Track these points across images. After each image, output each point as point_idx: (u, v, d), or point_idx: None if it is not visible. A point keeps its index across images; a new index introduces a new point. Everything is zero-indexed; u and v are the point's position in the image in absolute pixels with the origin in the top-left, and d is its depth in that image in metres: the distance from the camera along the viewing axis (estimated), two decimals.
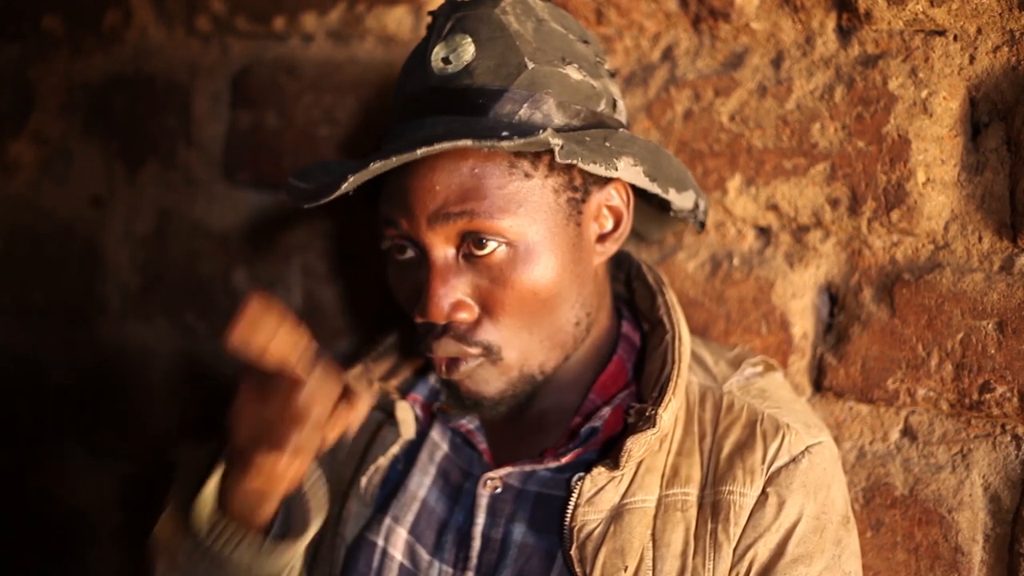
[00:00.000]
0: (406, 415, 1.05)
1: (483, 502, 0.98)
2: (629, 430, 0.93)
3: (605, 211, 0.98)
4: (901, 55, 1.07)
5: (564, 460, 0.96)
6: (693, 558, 0.90)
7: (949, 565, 1.02)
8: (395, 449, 1.05)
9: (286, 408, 0.83)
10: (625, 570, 0.89)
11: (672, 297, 1.03)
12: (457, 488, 1.01)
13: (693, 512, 0.92)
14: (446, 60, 0.91)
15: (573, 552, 0.91)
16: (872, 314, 1.08)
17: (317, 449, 0.86)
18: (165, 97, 1.56)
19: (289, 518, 0.92)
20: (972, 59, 1.04)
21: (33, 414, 1.72)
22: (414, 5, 1.34)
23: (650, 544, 0.91)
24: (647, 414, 0.92)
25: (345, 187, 0.87)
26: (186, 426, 1.52)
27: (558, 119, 0.91)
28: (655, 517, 0.92)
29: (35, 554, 1.72)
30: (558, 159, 0.85)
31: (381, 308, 1.31)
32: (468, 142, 0.83)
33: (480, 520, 0.97)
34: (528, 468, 0.97)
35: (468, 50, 0.91)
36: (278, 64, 1.46)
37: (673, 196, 0.98)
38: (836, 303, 1.12)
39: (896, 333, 1.06)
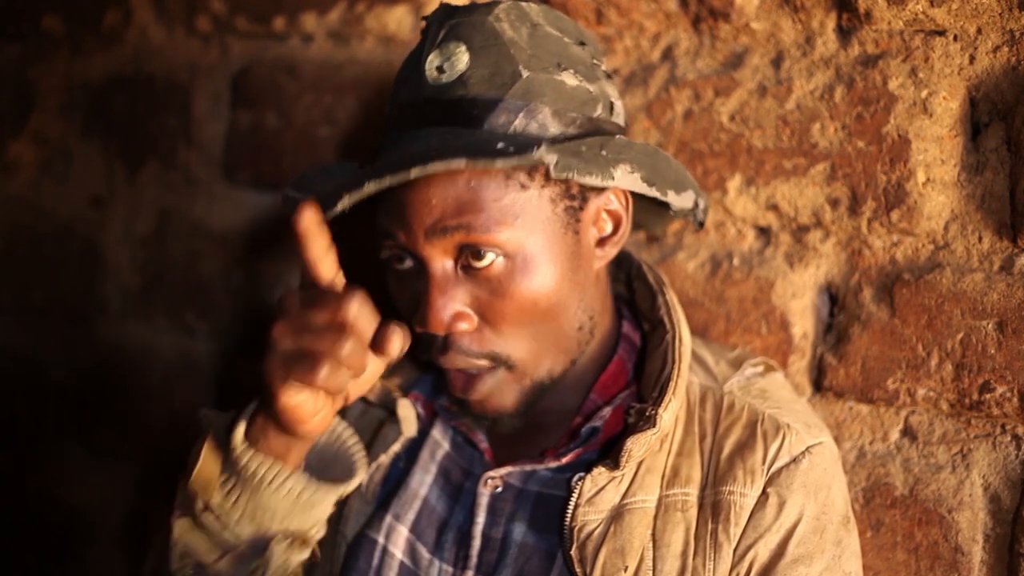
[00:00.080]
0: (407, 413, 1.05)
1: (484, 501, 0.98)
2: (629, 430, 0.93)
3: (604, 215, 0.98)
4: (901, 55, 1.07)
5: (565, 460, 0.96)
6: (693, 558, 0.90)
7: (949, 565, 1.02)
8: (396, 447, 1.05)
9: (333, 317, 0.80)
10: (625, 570, 0.89)
11: (673, 297, 1.03)
12: (458, 487, 1.01)
13: (693, 512, 0.92)
14: (440, 69, 0.91)
15: (573, 552, 0.91)
16: (872, 314, 1.08)
17: (345, 397, 0.85)
18: (165, 97, 1.56)
19: (327, 470, 0.93)
20: (972, 59, 1.04)
21: (33, 414, 1.72)
22: (414, 5, 1.34)
23: (650, 544, 0.91)
24: (647, 414, 0.92)
25: (340, 207, 0.86)
26: (185, 430, 1.52)
27: (554, 128, 0.91)
28: (655, 517, 0.92)
29: (35, 554, 1.72)
30: (553, 175, 0.85)
31: (381, 308, 1.31)
32: (461, 163, 0.82)
33: (480, 519, 0.97)
34: (529, 468, 0.98)
35: (462, 59, 0.90)
36: (278, 64, 1.46)
37: (672, 198, 0.98)
38: (836, 303, 1.12)
39: (896, 333, 1.07)
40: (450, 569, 0.97)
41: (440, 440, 1.05)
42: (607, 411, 0.97)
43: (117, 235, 1.62)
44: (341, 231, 0.92)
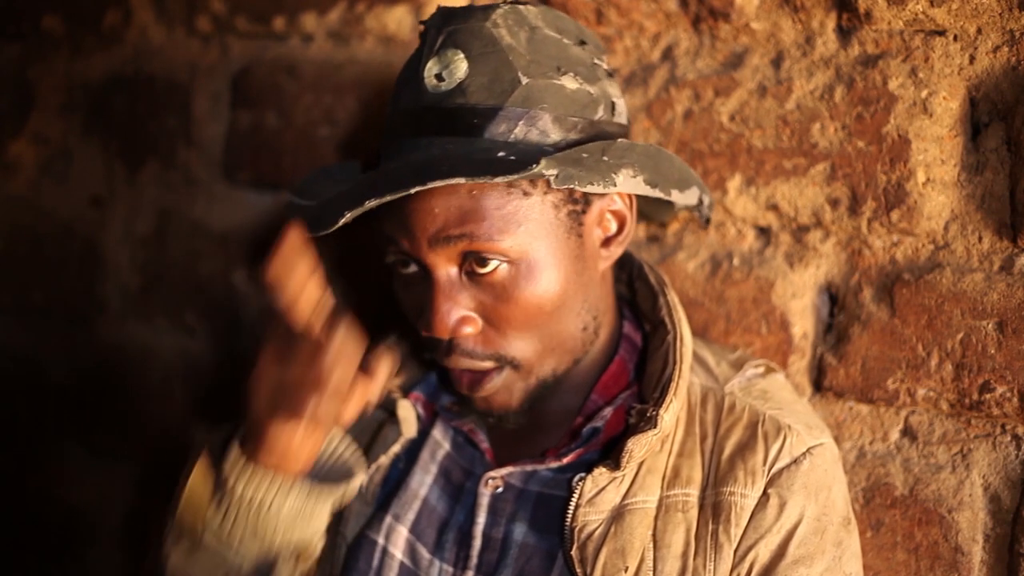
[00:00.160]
0: (407, 414, 1.05)
1: (484, 501, 0.98)
2: (630, 431, 0.93)
3: (608, 216, 0.98)
4: (901, 55, 1.07)
5: (565, 460, 0.96)
6: (694, 559, 0.90)
7: (949, 565, 1.02)
8: (396, 448, 1.05)
9: (308, 371, 0.81)
10: (626, 571, 0.89)
11: (674, 298, 1.03)
12: (458, 487, 1.01)
13: (694, 513, 0.92)
14: (439, 77, 0.90)
15: (574, 552, 0.91)
16: (872, 314, 1.08)
17: (334, 423, 0.86)
18: (165, 97, 1.56)
19: (326, 475, 0.93)
20: (972, 59, 1.04)
21: (33, 414, 1.72)
22: (414, 5, 1.34)
23: (651, 545, 0.91)
24: (648, 415, 0.92)
25: (342, 222, 0.87)
26: (199, 412, 1.52)
27: (555, 134, 0.91)
28: (656, 518, 0.92)
29: (35, 554, 1.72)
30: (554, 186, 0.85)
31: (382, 308, 1.31)
32: (461, 180, 0.82)
33: (481, 519, 0.97)
34: (530, 468, 0.98)
35: (460, 67, 0.90)
36: (278, 64, 1.46)
37: (676, 196, 0.98)
38: (836, 303, 1.12)
39: (896, 333, 1.07)
40: (450, 569, 0.97)
41: (441, 440, 1.05)
42: (608, 411, 0.98)
43: (117, 235, 1.62)
44: (344, 230, 0.92)
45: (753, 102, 1.14)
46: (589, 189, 0.87)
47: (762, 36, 1.15)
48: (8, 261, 1.74)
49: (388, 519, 1.00)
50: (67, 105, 1.67)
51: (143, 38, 1.59)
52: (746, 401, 0.97)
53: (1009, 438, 1.02)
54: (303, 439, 0.84)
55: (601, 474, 0.93)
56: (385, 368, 0.86)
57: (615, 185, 0.89)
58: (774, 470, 0.92)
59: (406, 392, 1.07)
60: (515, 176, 0.82)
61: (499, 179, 0.83)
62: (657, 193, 0.95)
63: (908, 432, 1.07)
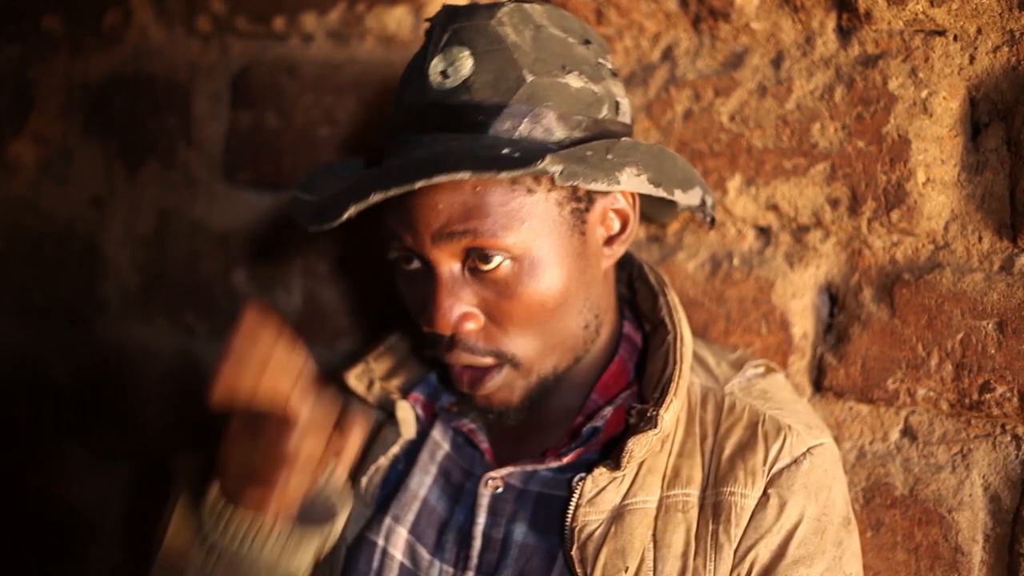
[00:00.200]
0: (407, 415, 1.05)
1: (484, 502, 0.98)
2: (630, 431, 0.93)
3: (611, 214, 0.98)
4: (901, 55, 1.07)
5: (565, 460, 0.96)
6: (694, 559, 0.90)
7: (949, 565, 1.02)
8: (395, 449, 1.05)
9: (275, 449, 0.81)
10: (626, 571, 0.89)
11: (674, 298, 1.03)
12: (458, 488, 1.01)
13: (694, 513, 0.92)
14: (444, 74, 0.91)
15: (574, 552, 0.91)
16: (872, 314, 1.08)
17: (308, 484, 0.85)
18: (165, 97, 1.56)
19: (309, 513, 0.92)
20: (972, 59, 1.04)
21: (33, 414, 1.72)
22: (414, 5, 1.34)
23: (651, 545, 0.91)
24: (648, 415, 0.92)
25: (347, 215, 0.87)
26: (184, 430, 1.52)
27: (559, 132, 0.91)
28: (656, 518, 0.92)
29: (35, 554, 1.72)
30: (558, 183, 0.85)
31: (382, 308, 1.31)
32: (466, 175, 0.82)
33: (481, 520, 0.97)
34: (530, 468, 0.98)
35: (466, 64, 0.90)
36: (278, 64, 1.46)
37: (679, 196, 0.98)
38: (836, 303, 1.12)
39: (896, 333, 1.07)
40: (450, 570, 0.97)
41: (440, 441, 1.05)
42: (608, 411, 0.98)
43: (117, 235, 1.62)
44: (345, 227, 0.92)
45: (753, 102, 1.14)
46: (593, 187, 0.87)
47: (762, 36, 1.15)
48: (8, 261, 1.74)
49: (388, 520, 1.00)
50: (67, 105, 1.67)
51: (143, 38, 1.59)
52: (746, 401, 0.97)
53: (1009, 438, 1.02)
54: (278, 502, 0.84)
55: (601, 474, 0.93)
56: (358, 431, 0.85)
57: (619, 183, 0.89)
58: (774, 470, 0.92)
59: (405, 393, 1.07)
60: (520, 172, 0.83)
61: (504, 175, 0.83)
62: (660, 192, 0.95)
63: (908, 432, 1.07)
